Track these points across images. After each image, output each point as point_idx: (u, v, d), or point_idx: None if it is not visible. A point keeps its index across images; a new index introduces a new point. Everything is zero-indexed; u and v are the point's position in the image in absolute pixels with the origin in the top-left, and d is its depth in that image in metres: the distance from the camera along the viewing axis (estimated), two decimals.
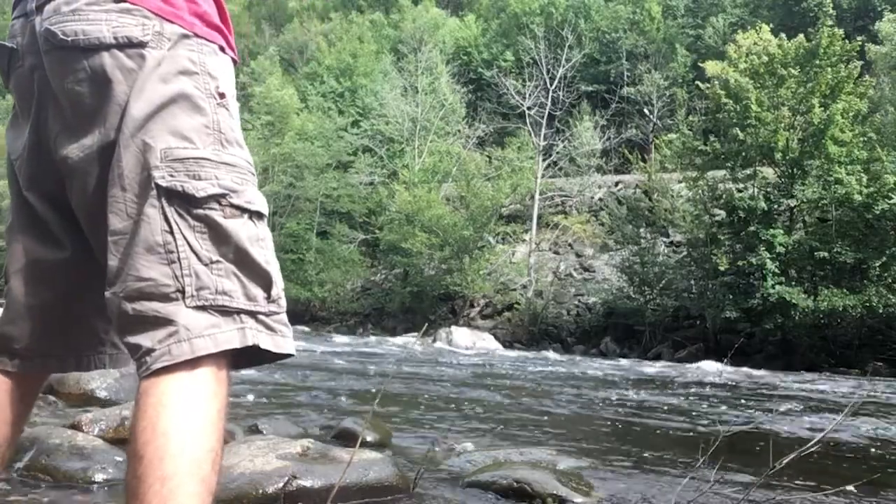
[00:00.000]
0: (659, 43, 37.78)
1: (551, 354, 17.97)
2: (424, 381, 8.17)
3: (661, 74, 34.44)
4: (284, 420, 4.19)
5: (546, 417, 5.59)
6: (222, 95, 1.16)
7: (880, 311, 17.11)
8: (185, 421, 1.03)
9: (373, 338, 20.51)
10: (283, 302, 1.18)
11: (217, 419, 1.07)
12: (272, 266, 1.16)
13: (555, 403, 6.69)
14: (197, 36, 1.16)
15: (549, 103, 30.26)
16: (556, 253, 28.97)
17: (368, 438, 3.73)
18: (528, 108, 30.36)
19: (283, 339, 1.16)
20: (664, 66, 35.74)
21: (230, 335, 1.09)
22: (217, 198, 1.10)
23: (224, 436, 1.11)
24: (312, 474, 2.58)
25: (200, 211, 1.09)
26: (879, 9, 31.98)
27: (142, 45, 1.10)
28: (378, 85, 37.77)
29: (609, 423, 5.63)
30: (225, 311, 1.09)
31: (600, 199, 30.36)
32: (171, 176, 1.08)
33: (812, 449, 2.65)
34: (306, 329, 24.95)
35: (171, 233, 1.08)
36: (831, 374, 14.62)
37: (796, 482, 3.43)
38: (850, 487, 3.24)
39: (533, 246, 28.05)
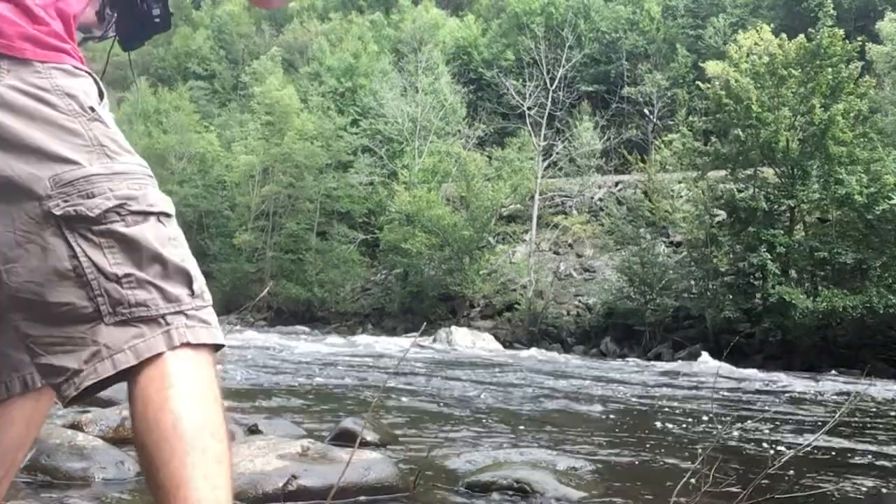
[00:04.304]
0: (659, 43, 37.78)
1: (551, 355, 17.97)
2: (424, 381, 8.17)
3: (661, 75, 34.44)
4: (284, 420, 4.20)
5: (546, 417, 5.59)
6: (92, 109, 1.17)
7: (881, 311, 17.09)
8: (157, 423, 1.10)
9: (372, 338, 20.50)
10: (208, 296, 1.21)
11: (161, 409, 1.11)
12: (189, 262, 1.19)
13: (555, 403, 6.69)
14: (38, 61, 1.16)
15: (549, 103, 30.26)
16: (557, 253, 28.97)
17: (368, 438, 3.73)
18: (529, 109, 30.36)
19: (217, 331, 1.19)
20: (664, 67, 35.73)
21: (153, 341, 1.12)
22: (115, 209, 1.13)
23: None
24: (312, 474, 2.58)
25: (102, 227, 1.12)
26: (880, 8, 31.97)
27: None
28: (378, 85, 37.78)
29: (609, 423, 5.64)
30: (146, 320, 1.12)
31: (600, 200, 30.37)
32: (65, 201, 1.11)
33: (809, 448, 2.66)
34: (306, 329, 24.95)
35: (76, 257, 1.11)
36: (831, 374, 14.62)
37: (794, 481, 3.43)
38: (847, 486, 3.24)
39: (533, 246, 28.05)
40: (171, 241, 1.17)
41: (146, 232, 1.14)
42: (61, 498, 2.45)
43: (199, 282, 1.19)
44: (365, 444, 3.54)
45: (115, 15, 1.44)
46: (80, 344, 1.12)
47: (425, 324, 20.73)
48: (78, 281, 1.11)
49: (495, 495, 2.86)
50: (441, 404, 6.01)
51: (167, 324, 1.13)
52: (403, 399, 6.16)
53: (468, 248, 27.30)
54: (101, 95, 1.22)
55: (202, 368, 1.15)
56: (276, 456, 2.66)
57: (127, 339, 1.11)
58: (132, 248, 1.13)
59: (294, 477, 2.53)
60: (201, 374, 1.14)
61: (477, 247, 27.71)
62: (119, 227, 1.12)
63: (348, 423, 3.95)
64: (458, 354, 15.24)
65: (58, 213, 1.10)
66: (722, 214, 21.12)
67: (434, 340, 19.12)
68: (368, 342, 17.82)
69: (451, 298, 27.36)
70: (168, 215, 1.18)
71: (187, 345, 1.14)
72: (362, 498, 2.65)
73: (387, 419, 4.77)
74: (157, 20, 1.46)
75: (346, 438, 3.66)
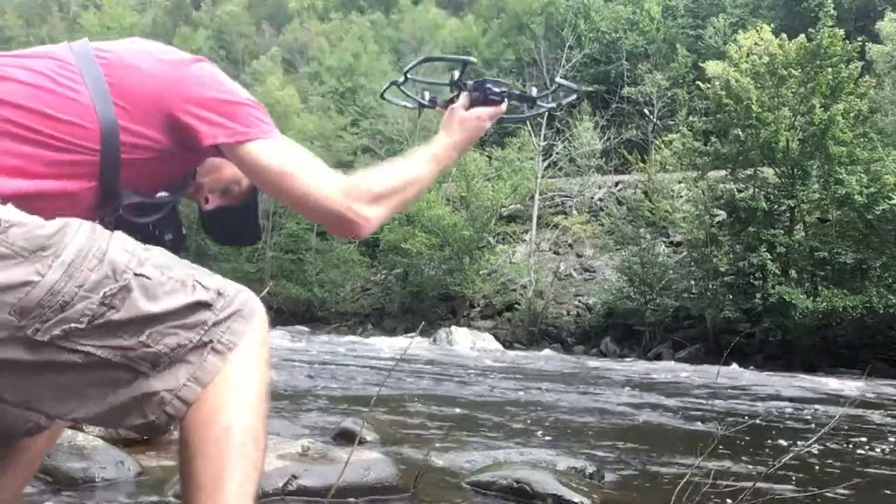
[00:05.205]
0: (659, 43, 37.78)
1: (551, 355, 17.97)
2: (425, 381, 8.17)
3: (661, 75, 34.44)
4: (284, 420, 4.20)
5: (546, 417, 5.59)
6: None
7: (881, 311, 17.10)
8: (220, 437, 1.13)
9: (372, 338, 20.50)
10: (216, 283, 1.19)
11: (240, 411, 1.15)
12: (186, 287, 1.15)
13: (554, 403, 6.69)
14: None
15: None
16: (557, 253, 28.96)
17: (368, 438, 3.74)
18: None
19: (250, 309, 1.19)
20: (664, 67, 35.73)
21: (208, 365, 1.14)
22: (101, 304, 1.08)
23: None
24: (312, 474, 2.58)
25: (97, 323, 1.08)
26: (880, 8, 31.97)
27: None
28: (378, 85, 37.75)
29: (609, 422, 5.64)
30: (190, 351, 1.13)
31: (600, 200, 30.37)
32: (43, 323, 1.05)
33: (809, 448, 2.66)
34: (306, 329, 24.93)
35: (92, 354, 1.08)
36: (831, 374, 14.62)
37: (794, 481, 3.44)
38: (847, 486, 3.24)
39: (533, 246, 28.05)
40: (159, 285, 1.13)
41: (138, 302, 1.10)
42: (61, 498, 2.45)
43: (208, 289, 1.17)
44: (365, 444, 3.54)
45: None
46: (136, 404, 1.12)
47: (423, 323, 20.73)
48: (105, 365, 1.09)
49: (495, 495, 2.87)
50: (441, 404, 6.01)
51: (208, 342, 1.14)
52: (403, 399, 6.16)
53: (468, 248, 27.29)
54: None
55: (257, 360, 1.17)
56: (276, 456, 2.66)
57: (183, 375, 1.13)
58: (136, 322, 1.10)
59: (294, 477, 2.53)
60: (257, 370, 1.17)
61: (477, 247, 27.70)
62: (113, 316, 1.08)
63: (348, 422, 3.95)
64: (457, 354, 15.23)
65: (45, 339, 1.05)
66: (722, 214, 21.12)
67: (434, 340, 19.11)
68: (368, 342, 17.82)
69: (451, 298, 27.36)
70: (140, 262, 1.13)
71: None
72: (362, 498, 2.65)
73: (387, 419, 4.77)
74: (170, 243, 1.38)
75: (345, 438, 3.66)
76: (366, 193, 1.32)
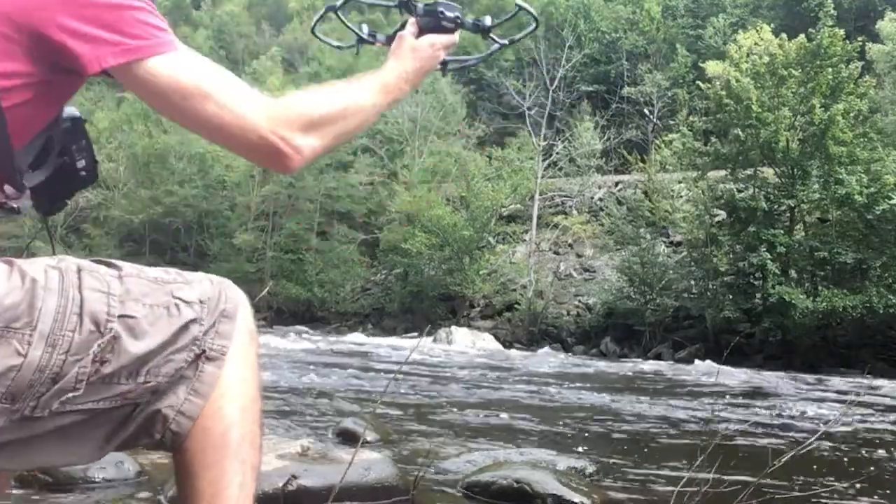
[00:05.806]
0: (659, 43, 37.78)
1: (551, 355, 17.97)
2: (424, 381, 8.17)
3: (661, 75, 34.44)
4: (285, 420, 4.20)
5: (546, 417, 5.59)
6: None
7: (881, 311, 17.09)
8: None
9: (372, 338, 20.50)
10: (195, 291, 1.12)
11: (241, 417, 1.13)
12: (169, 311, 1.08)
13: (555, 403, 6.70)
14: None
15: (549, 103, 30.27)
16: (557, 253, 28.96)
17: (369, 438, 3.74)
18: (529, 109, 30.37)
19: (233, 305, 1.14)
20: (664, 67, 35.74)
21: (206, 376, 1.10)
22: (93, 363, 1.00)
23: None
24: (312, 474, 2.58)
25: (93, 380, 1.01)
26: (880, 8, 31.97)
27: None
28: None
29: (609, 423, 5.63)
30: (187, 368, 1.09)
31: (600, 200, 30.37)
32: (39, 398, 0.97)
33: (809, 448, 2.65)
34: (306, 329, 24.94)
35: (95, 408, 1.03)
36: (831, 374, 14.62)
37: (794, 481, 3.44)
38: (846, 486, 3.24)
39: (533, 246, 28.04)
40: (145, 317, 1.05)
41: (127, 346, 1.02)
42: (62, 498, 2.45)
43: (191, 304, 1.10)
44: (365, 444, 3.54)
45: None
46: (142, 427, 1.09)
47: (429, 325, 20.74)
48: (108, 411, 1.05)
49: (495, 495, 2.86)
50: (441, 404, 6.01)
51: (200, 352, 1.10)
52: (403, 399, 6.16)
53: (468, 248, 27.29)
54: None
55: (247, 359, 1.14)
56: (275, 456, 2.66)
57: (183, 392, 1.09)
58: (131, 365, 1.03)
59: (294, 477, 2.53)
60: (248, 369, 1.14)
61: (477, 247, 27.70)
62: (107, 369, 1.01)
63: (348, 423, 3.95)
64: (458, 354, 15.23)
65: (43, 414, 0.98)
66: (722, 214, 21.10)
67: (434, 340, 19.12)
68: (368, 342, 17.82)
69: (451, 298, 27.35)
70: (121, 299, 1.04)
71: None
72: (363, 498, 2.65)
73: (387, 419, 4.77)
74: (84, 173, 1.20)
75: (346, 438, 3.67)
76: (297, 119, 1.10)
